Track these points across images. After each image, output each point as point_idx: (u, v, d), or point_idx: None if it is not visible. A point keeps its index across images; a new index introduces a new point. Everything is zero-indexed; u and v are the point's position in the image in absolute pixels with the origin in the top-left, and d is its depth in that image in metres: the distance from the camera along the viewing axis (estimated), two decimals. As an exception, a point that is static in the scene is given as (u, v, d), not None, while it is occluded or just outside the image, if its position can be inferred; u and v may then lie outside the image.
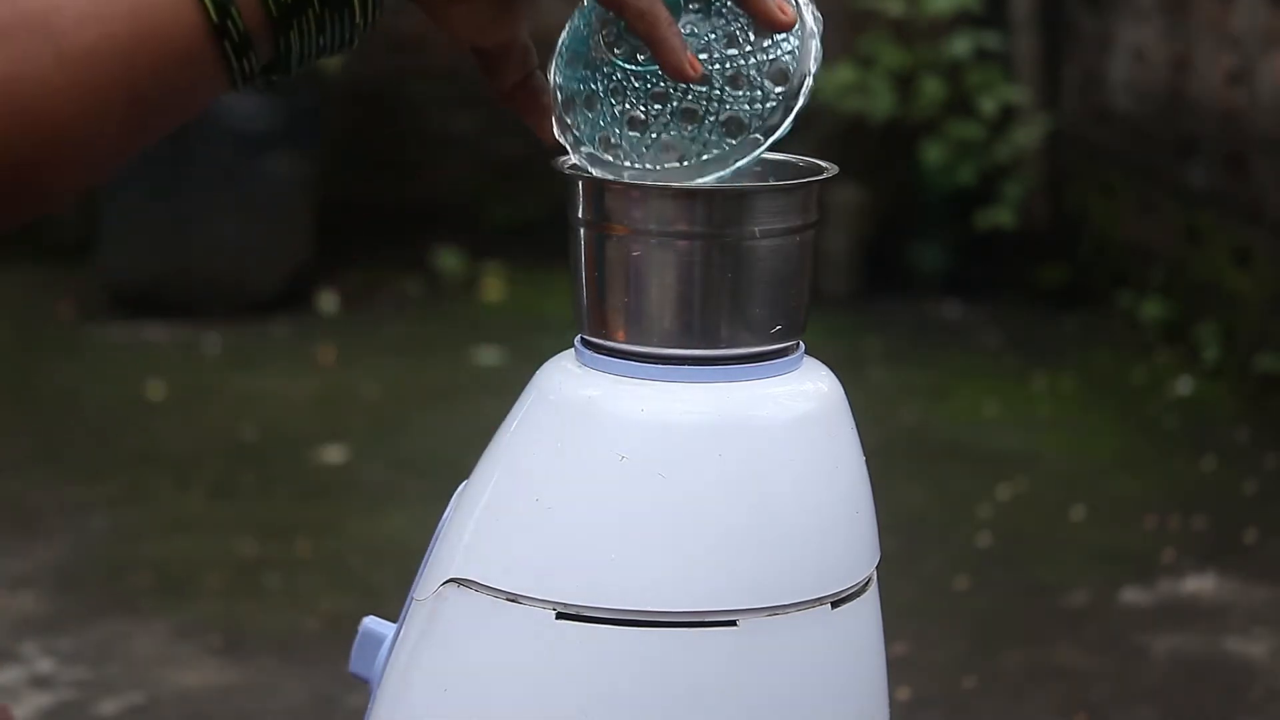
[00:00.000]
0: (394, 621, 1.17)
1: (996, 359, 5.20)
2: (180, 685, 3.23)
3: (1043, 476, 4.30)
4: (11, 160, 0.98)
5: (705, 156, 1.11)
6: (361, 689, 1.19)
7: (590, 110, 1.13)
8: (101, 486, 4.09)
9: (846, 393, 1.15)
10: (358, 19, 1.04)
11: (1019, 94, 5.75)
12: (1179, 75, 5.32)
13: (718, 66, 1.11)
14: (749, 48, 1.11)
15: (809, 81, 1.11)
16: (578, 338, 1.16)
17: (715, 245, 1.11)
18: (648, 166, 1.12)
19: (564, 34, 1.16)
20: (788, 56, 1.11)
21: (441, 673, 1.11)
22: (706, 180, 1.11)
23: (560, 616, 1.08)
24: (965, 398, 4.86)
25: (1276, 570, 3.80)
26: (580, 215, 1.14)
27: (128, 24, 1.00)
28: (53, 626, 3.43)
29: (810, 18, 1.12)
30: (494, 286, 5.71)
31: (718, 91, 1.11)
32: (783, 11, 1.10)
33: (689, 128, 1.11)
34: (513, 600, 1.09)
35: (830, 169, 1.17)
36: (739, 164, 1.11)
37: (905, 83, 5.74)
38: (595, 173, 1.13)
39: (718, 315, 1.11)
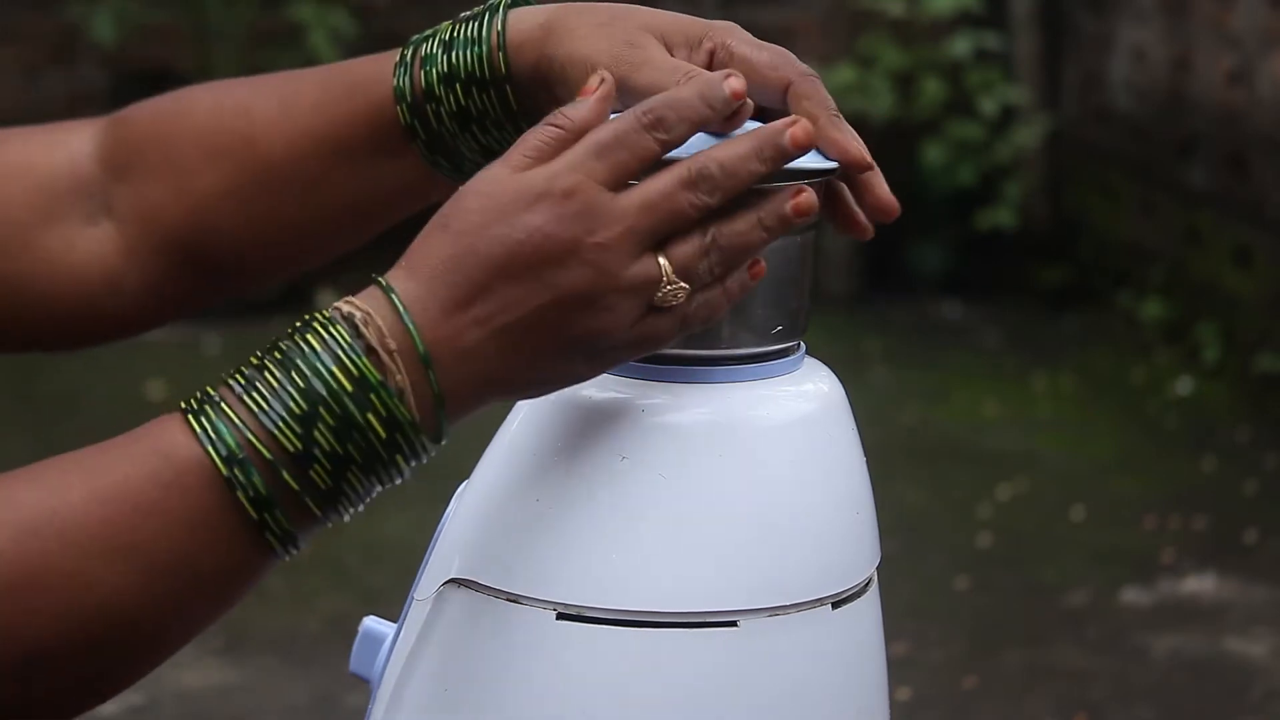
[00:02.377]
0: (394, 621, 1.17)
1: (996, 359, 5.19)
2: (180, 685, 3.23)
3: (1043, 476, 4.29)
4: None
5: None
6: (361, 689, 1.19)
7: None
8: (101, 486, 4.09)
9: (847, 393, 1.15)
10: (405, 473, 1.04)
11: (1019, 94, 5.75)
12: (1179, 75, 5.32)
13: None
14: None
15: None
16: (578, 338, 1.15)
17: (715, 245, 1.10)
18: None
19: None
20: None
21: (441, 673, 1.11)
22: None
23: (560, 617, 1.08)
24: (965, 398, 4.85)
25: (1276, 570, 3.80)
26: (580, 215, 1.13)
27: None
28: (53, 626, 3.43)
29: None
30: (494, 286, 5.70)
31: None
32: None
33: None
34: (513, 600, 1.09)
35: (830, 169, 1.16)
36: None
37: (905, 83, 5.74)
38: None
39: (718, 316, 1.11)
